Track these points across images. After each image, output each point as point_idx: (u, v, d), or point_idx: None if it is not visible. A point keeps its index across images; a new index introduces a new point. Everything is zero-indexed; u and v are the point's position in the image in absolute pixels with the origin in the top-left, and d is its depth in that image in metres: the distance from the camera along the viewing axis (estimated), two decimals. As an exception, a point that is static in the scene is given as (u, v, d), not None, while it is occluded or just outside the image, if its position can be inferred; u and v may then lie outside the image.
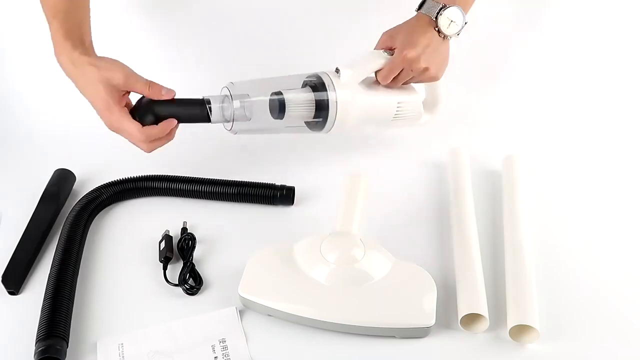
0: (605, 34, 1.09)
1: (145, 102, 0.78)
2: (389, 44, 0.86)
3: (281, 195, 0.87)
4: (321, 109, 0.83)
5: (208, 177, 0.89)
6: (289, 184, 0.88)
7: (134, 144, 0.80)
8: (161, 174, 0.89)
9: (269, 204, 0.88)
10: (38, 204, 0.86)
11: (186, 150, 0.99)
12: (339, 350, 0.69)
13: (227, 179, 0.89)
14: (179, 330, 0.70)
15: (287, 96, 0.81)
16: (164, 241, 0.80)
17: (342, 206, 0.83)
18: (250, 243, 0.82)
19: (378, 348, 0.69)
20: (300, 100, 0.82)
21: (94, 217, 0.86)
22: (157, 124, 0.78)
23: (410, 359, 0.68)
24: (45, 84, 1.10)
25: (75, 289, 0.74)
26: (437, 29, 0.84)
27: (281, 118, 0.82)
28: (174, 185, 0.88)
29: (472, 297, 0.71)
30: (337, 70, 0.84)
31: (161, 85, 0.78)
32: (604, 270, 0.79)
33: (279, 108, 0.81)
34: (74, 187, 0.92)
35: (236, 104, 0.78)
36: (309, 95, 0.83)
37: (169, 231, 0.82)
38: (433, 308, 0.69)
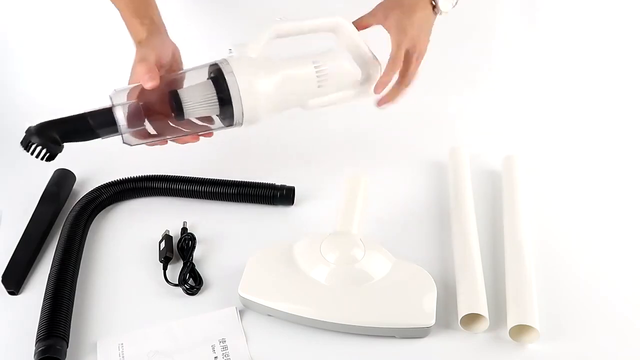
0: (606, 34, 1.09)
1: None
2: (375, 22, 0.80)
3: (281, 195, 0.87)
4: (225, 101, 0.71)
5: (208, 177, 0.89)
6: (289, 184, 0.88)
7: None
8: (161, 174, 0.89)
9: (269, 204, 0.88)
10: (38, 204, 0.86)
11: (186, 151, 0.99)
12: (339, 350, 0.69)
13: (227, 179, 0.89)
14: (179, 330, 0.70)
15: (182, 92, 0.70)
16: (164, 241, 0.80)
17: (342, 206, 0.83)
18: (250, 243, 0.82)
19: (378, 348, 0.69)
20: (197, 94, 0.71)
21: (94, 217, 0.86)
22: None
23: (410, 359, 0.68)
24: (46, 83, 1.10)
25: (75, 289, 0.74)
26: (433, 3, 0.80)
27: (181, 119, 0.71)
28: (174, 185, 0.88)
29: (472, 297, 0.71)
30: (230, 50, 0.73)
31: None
32: (604, 270, 0.79)
33: (176, 107, 0.70)
34: (74, 187, 0.92)
35: (119, 112, 0.68)
36: (207, 87, 0.71)
37: (169, 231, 0.82)
38: (433, 308, 0.69)
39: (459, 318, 0.69)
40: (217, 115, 0.74)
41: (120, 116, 0.68)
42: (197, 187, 0.88)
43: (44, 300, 0.71)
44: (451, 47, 1.03)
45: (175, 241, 0.81)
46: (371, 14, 0.81)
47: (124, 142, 0.71)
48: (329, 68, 0.78)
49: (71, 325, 0.70)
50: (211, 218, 0.86)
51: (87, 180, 0.93)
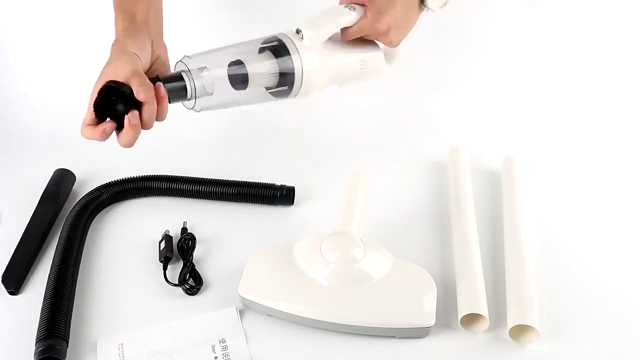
0: (606, 34, 1.09)
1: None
2: None
3: (281, 195, 0.87)
4: (286, 76, 0.75)
5: (208, 177, 0.89)
6: (289, 184, 0.88)
7: None
8: (161, 174, 0.89)
9: (269, 204, 0.88)
10: (38, 204, 0.86)
11: (186, 150, 0.99)
12: (339, 350, 0.69)
13: (227, 179, 0.89)
14: (179, 330, 0.70)
15: (248, 65, 0.73)
16: (164, 241, 0.80)
17: (342, 206, 0.82)
18: (250, 243, 0.82)
19: (378, 348, 0.69)
20: (262, 68, 0.74)
21: (94, 217, 0.86)
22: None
23: (410, 359, 0.68)
24: (46, 83, 1.10)
25: (75, 289, 0.74)
26: None
27: (244, 89, 0.74)
28: (174, 185, 0.88)
29: (472, 297, 0.71)
30: (298, 32, 0.76)
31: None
32: (604, 270, 0.79)
33: (241, 78, 0.73)
34: (74, 187, 0.92)
35: (196, 78, 0.70)
36: (272, 62, 0.74)
37: (169, 231, 0.82)
38: (433, 308, 0.69)
39: (459, 318, 0.69)
40: (269, 90, 0.77)
41: (191, 83, 0.70)
42: (197, 187, 0.88)
43: (44, 300, 0.71)
44: (451, 47, 1.03)
45: (175, 241, 0.81)
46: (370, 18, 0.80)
47: (192, 108, 0.73)
48: (370, 67, 0.82)
49: (71, 325, 0.70)
50: (211, 218, 0.86)
51: (87, 180, 0.93)
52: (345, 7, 0.78)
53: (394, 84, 1.04)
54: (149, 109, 0.65)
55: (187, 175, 0.89)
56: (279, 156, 0.99)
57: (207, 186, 0.88)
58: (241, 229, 0.85)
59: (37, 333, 0.67)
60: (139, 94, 0.64)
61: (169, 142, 0.99)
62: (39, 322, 0.68)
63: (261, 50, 0.76)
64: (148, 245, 0.81)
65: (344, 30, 0.79)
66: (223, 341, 0.69)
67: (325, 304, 0.70)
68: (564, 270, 0.78)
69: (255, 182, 0.88)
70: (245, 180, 0.88)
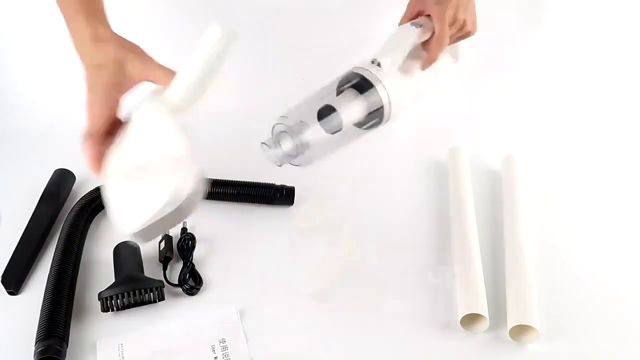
0: (606, 34, 1.09)
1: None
2: (418, 8, 0.77)
3: (281, 195, 0.87)
4: (375, 111, 0.74)
5: (208, 177, 0.89)
6: (289, 184, 0.88)
7: None
8: (161, 174, 0.89)
9: (268, 204, 0.88)
10: (38, 204, 0.86)
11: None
12: (339, 350, 0.69)
13: (227, 179, 0.89)
14: (179, 330, 0.70)
15: (342, 113, 0.72)
16: (164, 241, 0.80)
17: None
18: (250, 243, 0.82)
19: (378, 348, 0.69)
20: (353, 110, 0.73)
21: (94, 217, 0.86)
22: None
23: (410, 358, 0.68)
24: (46, 83, 1.10)
25: (75, 289, 0.74)
26: None
27: (340, 130, 0.73)
28: (173, 185, 0.88)
29: (472, 297, 0.71)
30: (374, 62, 0.74)
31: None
32: (604, 271, 0.79)
33: (336, 125, 0.72)
34: (74, 187, 0.92)
35: (299, 136, 0.69)
36: (361, 102, 0.73)
37: (168, 231, 0.82)
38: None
39: (459, 318, 0.69)
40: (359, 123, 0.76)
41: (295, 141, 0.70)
42: (197, 187, 0.88)
43: (43, 300, 0.71)
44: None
45: (175, 241, 0.81)
46: (406, 11, 0.79)
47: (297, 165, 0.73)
48: (444, 68, 0.81)
49: (71, 325, 0.70)
50: (211, 218, 0.86)
51: (87, 180, 0.93)
52: (411, 24, 0.76)
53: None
54: None
55: (187, 175, 0.89)
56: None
57: (207, 186, 0.88)
58: (241, 229, 0.85)
59: (37, 333, 0.67)
60: None
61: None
62: (39, 322, 0.68)
63: (340, 91, 0.74)
64: (148, 245, 0.81)
65: (424, 54, 0.77)
66: (223, 341, 0.69)
67: None
68: (564, 270, 0.78)
69: (255, 182, 0.88)
70: (245, 180, 0.88)
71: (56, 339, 0.66)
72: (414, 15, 0.77)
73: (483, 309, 0.69)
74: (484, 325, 0.69)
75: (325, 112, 0.72)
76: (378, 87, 0.72)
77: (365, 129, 0.77)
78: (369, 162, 0.96)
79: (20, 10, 1.07)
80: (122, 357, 0.68)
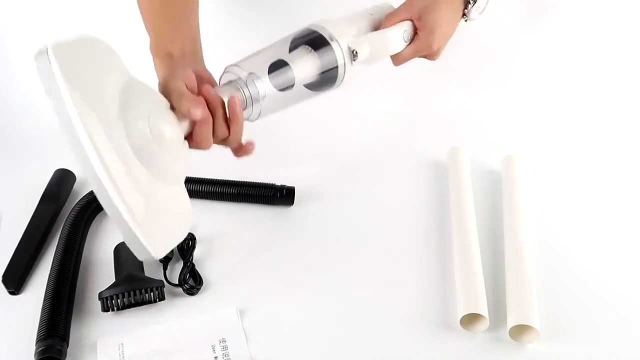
0: (606, 34, 1.09)
1: None
2: (411, 16, 0.76)
3: (281, 195, 0.87)
4: (329, 71, 0.72)
5: (208, 177, 0.89)
6: (289, 184, 0.88)
7: None
8: (161, 174, 0.89)
9: (269, 204, 0.88)
10: (38, 204, 0.86)
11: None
12: (339, 350, 0.69)
13: (227, 179, 0.89)
14: (179, 330, 0.70)
15: (295, 69, 0.69)
16: (164, 241, 0.80)
17: None
18: (250, 243, 0.82)
19: (378, 348, 0.69)
20: (307, 67, 0.70)
21: (94, 217, 0.86)
22: None
23: (410, 358, 0.68)
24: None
25: (75, 289, 0.74)
26: (465, 10, 0.78)
27: (291, 89, 0.71)
28: (174, 185, 0.88)
29: (472, 297, 0.71)
30: (354, 52, 0.72)
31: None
32: (604, 271, 0.79)
33: (288, 81, 0.70)
34: (74, 187, 0.92)
35: (250, 85, 0.66)
36: (315, 59, 0.71)
37: (169, 231, 0.82)
38: None
39: (459, 318, 0.69)
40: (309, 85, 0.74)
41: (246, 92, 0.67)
42: (197, 187, 0.88)
43: (44, 300, 0.71)
44: (451, 47, 1.02)
45: (175, 241, 0.81)
46: (402, 8, 0.78)
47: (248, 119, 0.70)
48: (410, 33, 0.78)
49: (71, 325, 0.70)
50: (211, 218, 0.86)
51: (87, 180, 0.93)
52: (403, 33, 0.75)
53: (394, 84, 1.04)
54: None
55: (187, 176, 0.89)
56: (279, 156, 0.99)
57: (208, 186, 0.88)
58: (241, 229, 0.85)
59: (37, 333, 0.67)
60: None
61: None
62: (39, 322, 0.68)
63: (294, 46, 0.72)
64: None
65: (394, 55, 0.76)
66: (223, 341, 0.69)
67: None
68: (564, 270, 0.78)
69: (255, 182, 0.88)
70: (245, 180, 0.88)
71: (57, 339, 0.66)
72: (403, 18, 0.77)
73: (483, 309, 0.69)
74: (484, 325, 0.69)
75: (277, 66, 0.69)
76: (334, 45, 0.71)
77: (316, 90, 0.75)
78: (369, 162, 0.97)
79: (21, 11, 1.07)
80: (123, 356, 0.68)
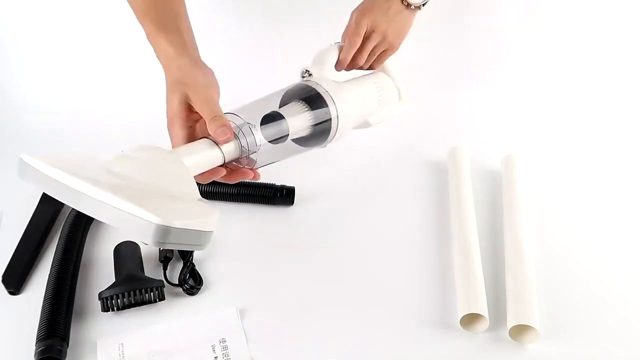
0: (605, 34, 1.09)
1: None
2: (355, 16, 0.80)
3: (281, 195, 0.87)
4: (320, 125, 0.73)
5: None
6: (289, 184, 0.88)
7: None
8: (161, 174, 0.89)
9: (268, 204, 0.88)
10: (38, 204, 0.86)
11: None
12: (339, 350, 0.69)
13: (227, 179, 0.89)
14: (179, 330, 0.70)
15: (289, 118, 0.70)
16: (164, 241, 0.80)
17: None
18: (250, 243, 0.82)
19: (378, 348, 0.69)
20: (301, 120, 0.72)
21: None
22: None
23: (410, 358, 0.68)
24: (48, 84, 1.10)
25: (75, 289, 0.74)
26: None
27: (283, 141, 0.71)
28: (174, 185, 0.88)
29: (472, 297, 0.71)
30: (307, 72, 0.75)
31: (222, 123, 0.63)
32: (604, 271, 0.79)
33: (282, 132, 0.70)
34: (74, 187, 0.92)
35: (247, 135, 0.65)
36: (309, 114, 0.72)
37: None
38: None
39: (459, 318, 0.69)
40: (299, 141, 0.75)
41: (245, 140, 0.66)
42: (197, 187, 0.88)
43: (44, 300, 0.71)
44: (451, 47, 1.03)
45: (175, 241, 0.81)
46: (350, 23, 0.81)
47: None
48: (386, 92, 0.83)
49: (71, 325, 0.70)
50: (211, 218, 0.86)
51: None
52: (335, 43, 0.79)
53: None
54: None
55: (187, 175, 0.89)
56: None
57: (208, 186, 0.88)
58: (241, 229, 0.85)
59: (37, 333, 0.67)
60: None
61: (169, 142, 0.99)
62: (39, 322, 0.68)
63: (284, 101, 0.73)
64: (148, 245, 0.81)
65: (341, 53, 0.79)
66: (223, 341, 0.69)
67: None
68: (564, 270, 0.78)
69: (255, 182, 0.88)
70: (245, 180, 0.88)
71: (57, 339, 0.66)
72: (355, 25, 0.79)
73: (483, 309, 0.69)
74: (484, 325, 0.69)
75: (271, 118, 0.70)
76: (327, 100, 0.72)
77: (307, 146, 0.76)
78: (369, 162, 0.97)
79: (23, 11, 1.07)
80: (123, 356, 0.68)
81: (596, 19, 1.09)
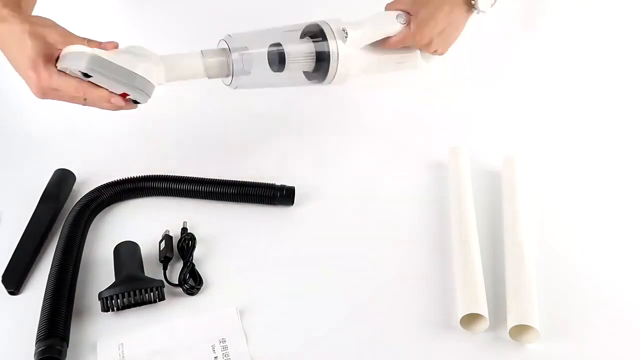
0: (606, 34, 1.10)
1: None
2: (406, 7, 0.83)
3: (281, 195, 0.87)
4: (322, 61, 0.81)
5: (208, 177, 0.89)
6: (289, 184, 0.88)
7: (70, 101, 0.76)
8: (161, 174, 0.89)
9: (269, 204, 0.88)
10: (38, 204, 0.86)
11: (186, 150, 0.99)
12: (339, 350, 0.69)
13: (227, 179, 0.89)
14: (179, 330, 0.71)
15: (287, 48, 0.79)
16: (164, 241, 0.80)
17: None
18: (250, 243, 0.82)
19: (378, 348, 0.69)
20: (300, 52, 0.80)
21: (94, 217, 0.86)
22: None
23: (410, 358, 0.68)
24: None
25: (75, 289, 0.74)
26: (472, 1, 0.82)
27: (281, 70, 0.79)
28: (174, 185, 0.88)
29: (472, 297, 0.71)
30: (344, 31, 0.80)
31: (100, 41, 0.73)
32: (604, 270, 0.79)
33: (278, 60, 0.79)
34: (74, 187, 0.92)
35: (235, 56, 0.75)
36: (309, 47, 0.80)
37: (169, 231, 0.82)
38: None
39: (459, 318, 0.69)
40: (305, 74, 0.84)
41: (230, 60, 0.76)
42: (197, 187, 0.88)
43: (44, 300, 0.71)
44: (451, 47, 1.03)
45: (175, 241, 0.81)
46: (413, 26, 0.84)
47: (229, 85, 0.79)
48: (406, 66, 0.88)
49: (71, 325, 0.70)
50: (211, 218, 0.86)
51: (87, 180, 0.93)
52: (397, 16, 0.82)
53: (394, 84, 1.04)
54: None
55: (187, 175, 0.89)
56: (279, 156, 0.99)
57: (207, 186, 0.88)
58: (241, 229, 0.85)
59: (37, 333, 0.67)
60: None
61: (169, 142, 0.99)
62: (39, 322, 0.68)
63: (302, 35, 0.80)
64: (148, 245, 0.81)
65: (386, 38, 0.82)
66: (223, 341, 0.69)
67: None
68: (564, 271, 0.78)
69: (255, 182, 0.88)
70: (245, 180, 0.88)
71: (57, 339, 0.66)
72: (399, 9, 0.83)
73: (483, 309, 0.69)
74: (484, 325, 0.69)
75: (275, 47, 0.78)
76: (331, 41, 0.79)
77: (308, 77, 0.83)
78: (369, 162, 0.96)
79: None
80: (123, 356, 0.68)
81: (596, 19, 1.09)
